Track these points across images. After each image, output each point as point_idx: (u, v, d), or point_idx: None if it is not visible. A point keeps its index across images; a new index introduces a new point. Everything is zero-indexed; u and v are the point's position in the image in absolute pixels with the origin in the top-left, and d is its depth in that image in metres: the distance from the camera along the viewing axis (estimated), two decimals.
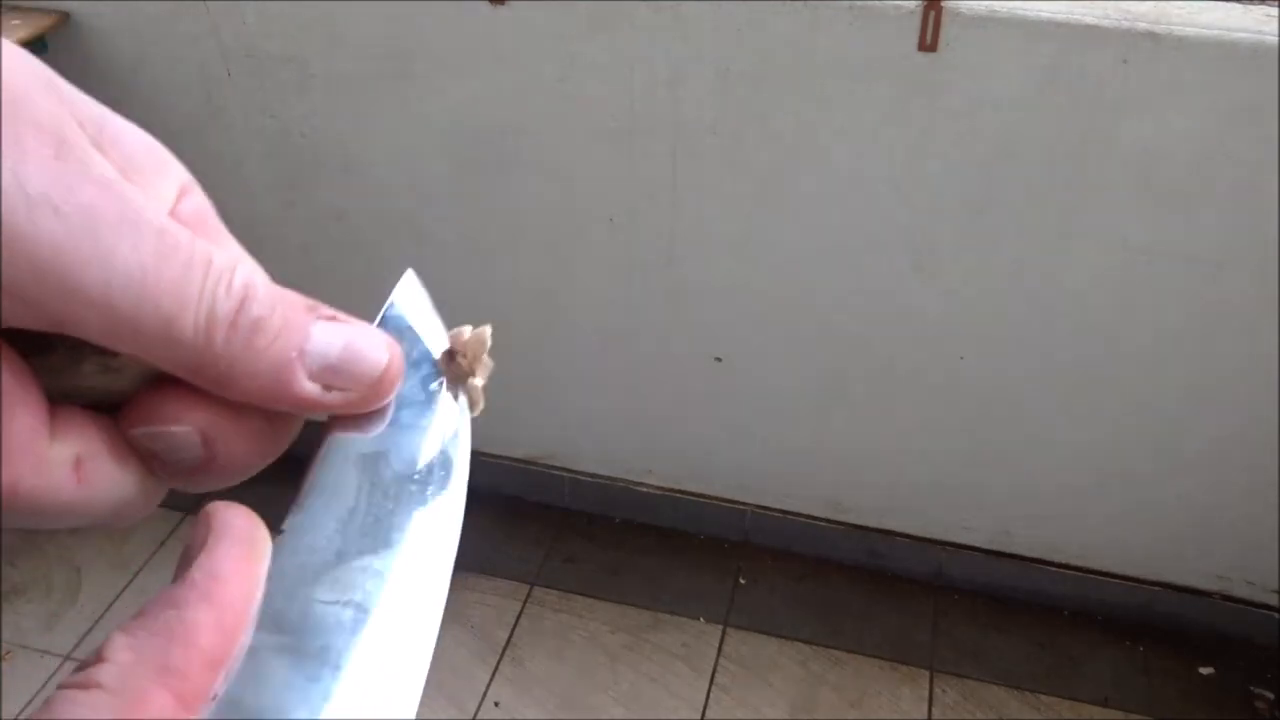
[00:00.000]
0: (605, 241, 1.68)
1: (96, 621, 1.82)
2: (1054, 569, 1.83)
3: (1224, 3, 1.36)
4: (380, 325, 0.28)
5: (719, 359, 1.75)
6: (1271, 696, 1.74)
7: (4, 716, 1.68)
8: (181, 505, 2.02)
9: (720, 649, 1.80)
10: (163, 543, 1.96)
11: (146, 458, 0.24)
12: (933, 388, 1.69)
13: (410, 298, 0.29)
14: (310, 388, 0.24)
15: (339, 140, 1.69)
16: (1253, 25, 1.32)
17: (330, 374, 0.24)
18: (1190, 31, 1.32)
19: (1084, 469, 1.71)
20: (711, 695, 1.74)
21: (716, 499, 1.94)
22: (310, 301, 0.25)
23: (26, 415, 0.22)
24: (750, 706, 1.72)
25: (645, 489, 1.96)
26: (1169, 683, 1.76)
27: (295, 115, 1.68)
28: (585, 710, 1.72)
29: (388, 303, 0.29)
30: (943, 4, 1.36)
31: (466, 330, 0.29)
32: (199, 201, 0.25)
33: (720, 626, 1.84)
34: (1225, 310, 1.50)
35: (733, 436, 1.85)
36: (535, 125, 1.59)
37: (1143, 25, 1.33)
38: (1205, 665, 1.78)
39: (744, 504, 1.93)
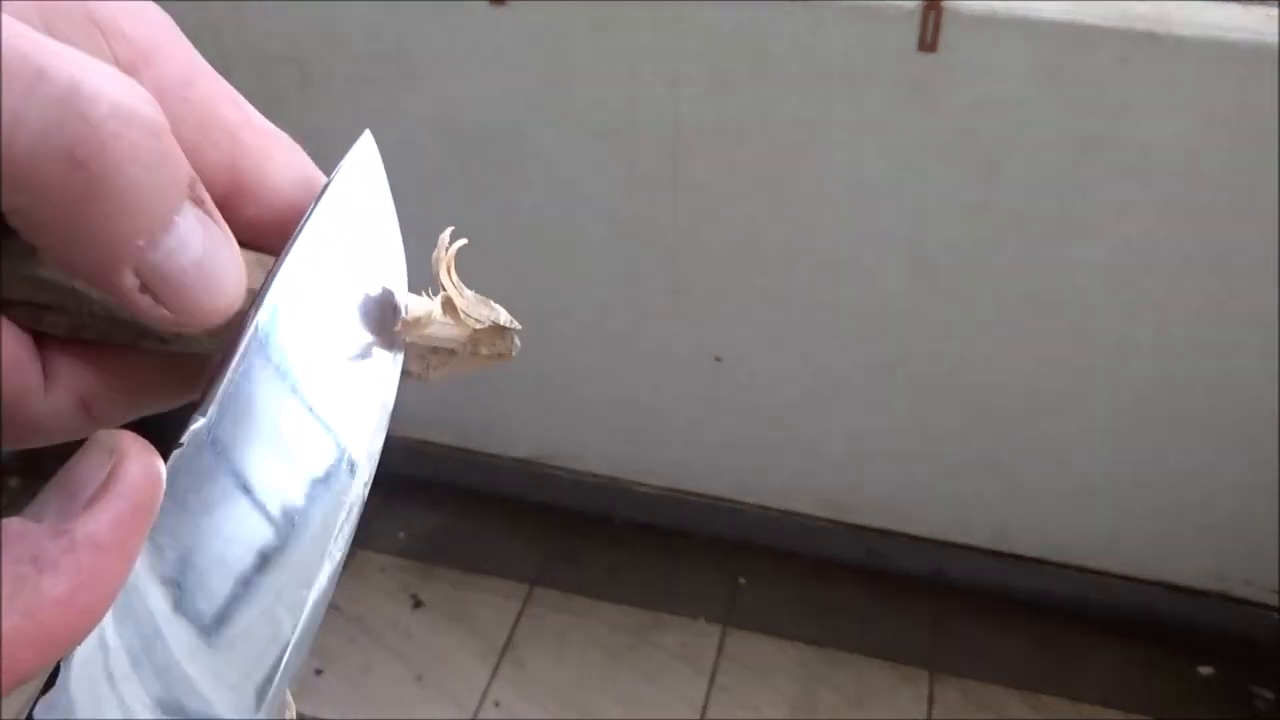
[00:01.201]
0: (605, 241, 1.68)
1: None
2: (1054, 569, 1.83)
3: (1224, 3, 1.36)
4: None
5: (719, 359, 1.76)
6: (1271, 696, 1.74)
7: (4, 717, 1.68)
8: None
9: (720, 649, 1.80)
10: None
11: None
12: (933, 388, 1.69)
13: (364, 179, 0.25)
14: (130, 283, 0.20)
15: (339, 140, 1.68)
16: (1253, 25, 1.32)
17: (161, 283, 0.20)
18: (1190, 31, 1.32)
19: (1084, 469, 1.71)
20: (711, 695, 1.74)
21: (716, 499, 1.94)
22: (192, 174, 0.20)
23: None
24: (750, 706, 1.72)
25: (645, 489, 1.96)
26: (1169, 683, 1.76)
27: (295, 115, 1.68)
28: (585, 710, 1.72)
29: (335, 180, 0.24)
30: (943, 4, 1.36)
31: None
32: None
33: (720, 626, 1.84)
34: (1225, 310, 1.50)
35: (733, 436, 1.85)
36: (535, 125, 1.59)
37: (1143, 25, 1.33)
38: (1205, 665, 1.78)
39: (744, 504, 1.93)
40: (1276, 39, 1.30)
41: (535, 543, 1.97)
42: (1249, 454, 1.61)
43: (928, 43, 1.38)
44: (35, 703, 0.18)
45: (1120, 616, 1.83)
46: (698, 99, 1.51)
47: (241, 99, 0.24)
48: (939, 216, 1.53)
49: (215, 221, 0.20)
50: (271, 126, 0.23)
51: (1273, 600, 1.76)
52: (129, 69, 0.21)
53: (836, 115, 1.47)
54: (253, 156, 0.24)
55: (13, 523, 0.18)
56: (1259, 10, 1.35)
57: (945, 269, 1.57)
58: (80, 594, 0.17)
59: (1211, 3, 1.36)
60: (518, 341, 0.28)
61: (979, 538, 1.85)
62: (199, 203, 0.20)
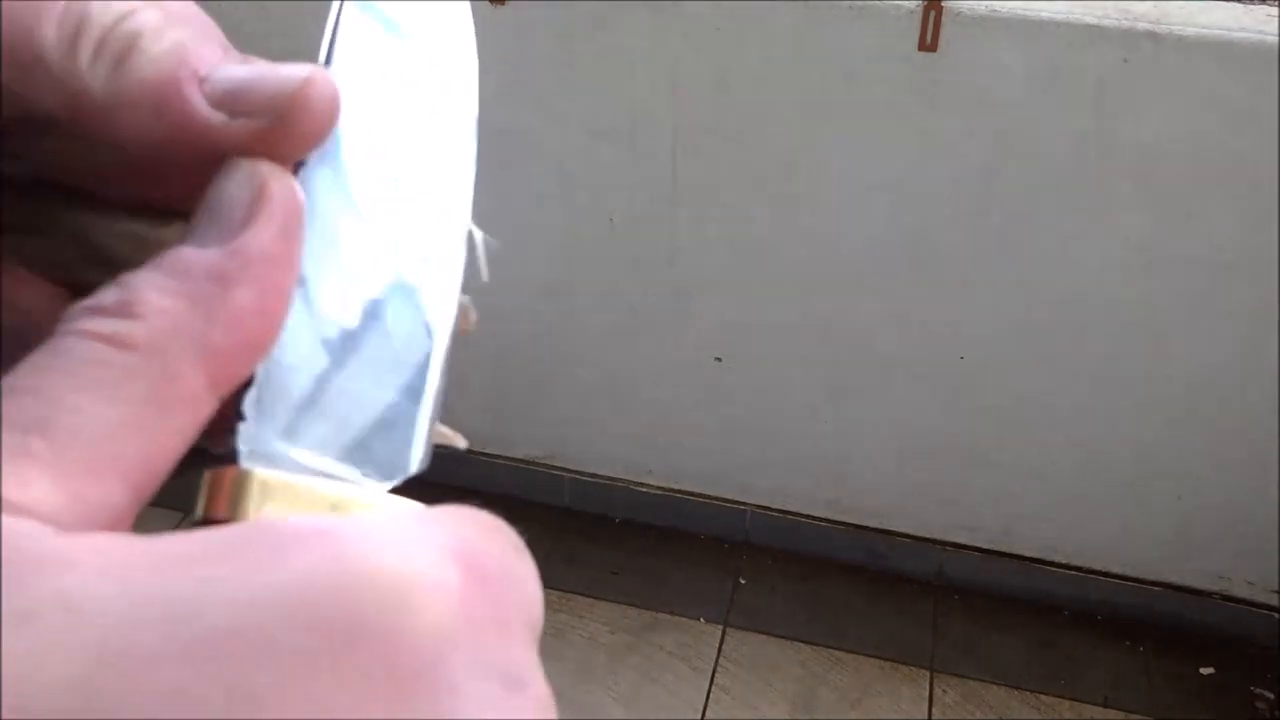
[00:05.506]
0: (605, 241, 1.68)
1: None
2: (1054, 569, 1.83)
3: (1224, 3, 1.36)
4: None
5: (719, 359, 1.75)
6: (1271, 696, 1.74)
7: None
8: (182, 505, 2.02)
9: (720, 649, 1.80)
10: None
11: None
12: (933, 388, 1.69)
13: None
14: (207, 111, 0.19)
15: None
16: (1253, 25, 1.32)
17: (234, 98, 0.19)
18: (1190, 31, 1.32)
19: (1084, 469, 1.71)
20: (711, 695, 1.73)
21: (716, 499, 1.94)
22: (226, 41, 0.21)
23: None
24: (750, 706, 1.72)
25: (645, 489, 1.96)
26: (1169, 683, 1.76)
27: None
28: (585, 710, 1.72)
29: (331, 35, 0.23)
30: (943, 4, 1.36)
31: None
32: None
33: (720, 626, 1.84)
34: (1225, 310, 1.50)
35: (733, 436, 1.85)
36: (535, 125, 1.59)
37: (1143, 25, 1.33)
38: (1205, 665, 1.78)
39: (744, 504, 1.93)
40: (1276, 39, 1.30)
41: (535, 543, 1.95)
42: (1249, 454, 1.61)
43: (928, 43, 1.38)
44: (242, 399, 0.19)
45: (1120, 616, 1.83)
46: (698, 99, 1.51)
47: None
48: (939, 216, 1.53)
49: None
50: None
51: (1273, 600, 1.76)
52: None
53: (836, 115, 1.47)
54: None
55: (183, 251, 0.18)
56: (1259, 10, 1.35)
57: (945, 269, 1.57)
58: (267, 303, 0.18)
59: (1211, 2, 1.36)
60: (473, 316, 0.26)
61: (979, 538, 1.85)
62: (238, 60, 0.21)
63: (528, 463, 1.99)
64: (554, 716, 0.19)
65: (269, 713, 0.14)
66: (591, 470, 1.97)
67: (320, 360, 0.20)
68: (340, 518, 0.16)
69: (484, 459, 1.99)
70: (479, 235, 0.27)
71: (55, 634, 0.14)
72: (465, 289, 0.26)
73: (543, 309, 1.78)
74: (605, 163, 1.60)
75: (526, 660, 0.18)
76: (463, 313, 0.25)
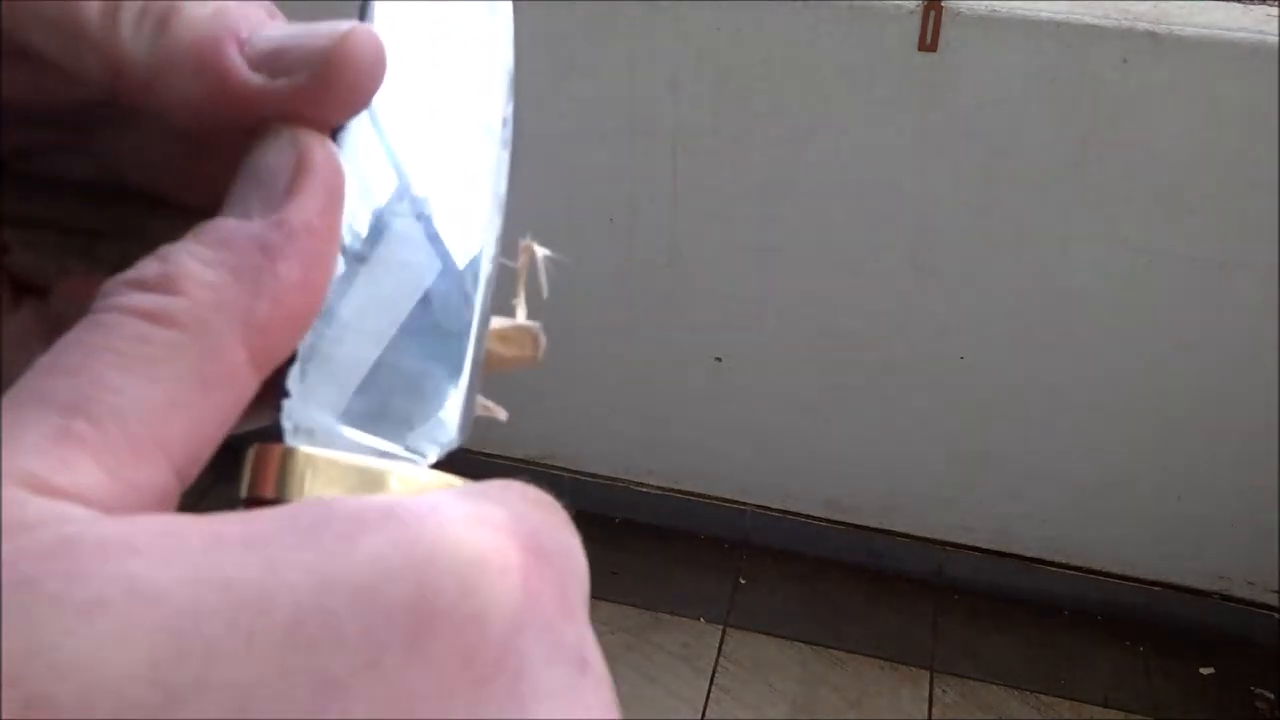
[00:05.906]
0: (605, 241, 1.68)
1: None
2: (1054, 569, 1.83)
3: (1224, 3, 1.36)
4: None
5: (719, 359, 1.76)
6: (1272, 696, 1.74)
7: None
8: (183, 505, 2.02)
9: (720, 649, 1.80)
10: None
11: None
12: (933, 388, 1.69)
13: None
14: (246, 71, 0.18)
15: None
16: (1253, 25, 1.32)
17: (274, 57, 0.19)
18: (1190, 31, 1.32)
19: (1084, 469, 1.71)
20: (711, 695, 1.73)
21: (716, 499, 1.94)
22: (274, 8, 0.20)
23: None
24: (750, 706, 1.72)
25: (645, 489, 1.96)
26: (1169, 683, 1.76)
27: None
28: None
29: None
30: (943, 4, 1.36)
31: None
32: None
33: (720, 626, 1.84)
34: (1225, 310, 1.50)
35: (733, 436, 1.85)
36: (535, 125, 1.59)
37: (1143, 25, 1.33)
38: (1205, 665, 1.78)
39: (744, 504, 1.93)
40: (1276, 39, 1.30)
41: None
42: (1249, 454, 1.61)
43: (928, 43, 1.38)
44: (286, 375, 0.19)
45: (1120, 616, 1.83)
46: (698, 99, 1.51)
47: None
48: (939, 216, 1.53)
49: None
50: None
51: (1273, 601, 1.75)
52: None
53: (836, 115, 1.48)
54: None
55: (226, 222, 0.18)
56: (1259, 10, 1.35)
57: (945, 269, 1.57)
58: (311, 276, 0.18)
59: (1211, 2, 1.36)
60: (543, 341, 0.26)
61: (979, 538, 1.85)
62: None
63: (528, 463, 1.99)
64: (611, 693, 0.18)
65: (345, 702, 0.14)
66: (591, 470, 1.97)
67: (365, 335, 0.20)
68: (400, 498, 0.16)
69: (484, 459, 1.99)
70: (540, 252, 0.27)
71: (123, 623, 0.13)
72: (530, 312, 0.26)
73: (541, 309, 1.78)
74: (605, 163, 1.60)
75: (587, 638, 0.18)
76: (534, 340, 0.26)
